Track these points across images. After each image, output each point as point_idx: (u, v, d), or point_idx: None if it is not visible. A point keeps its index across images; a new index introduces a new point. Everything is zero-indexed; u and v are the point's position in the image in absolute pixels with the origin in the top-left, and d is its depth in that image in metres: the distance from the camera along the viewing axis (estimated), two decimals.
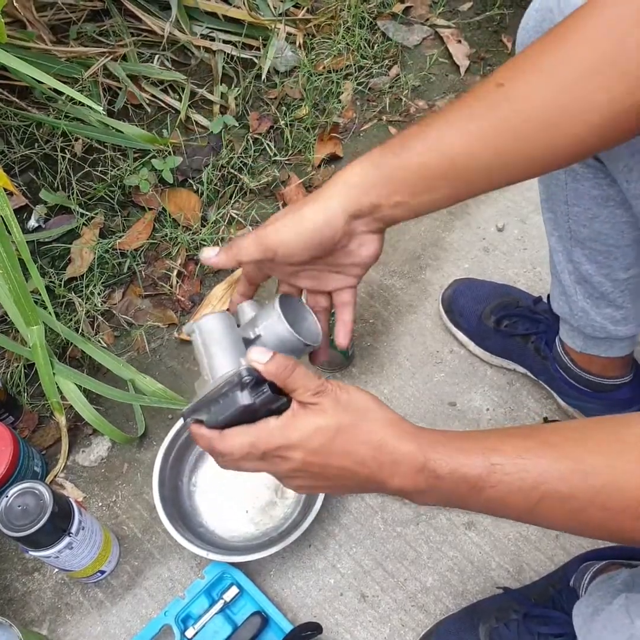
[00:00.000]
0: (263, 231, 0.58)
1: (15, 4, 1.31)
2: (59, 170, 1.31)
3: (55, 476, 1.04)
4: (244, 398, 0.54)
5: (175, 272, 1.22)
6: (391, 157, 0.55)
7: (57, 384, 1.01)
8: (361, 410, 0.54)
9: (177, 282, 1.21)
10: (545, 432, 0.52)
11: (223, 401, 0.55)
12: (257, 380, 0.54)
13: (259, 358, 0.55)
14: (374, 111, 1.42)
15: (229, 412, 0.55)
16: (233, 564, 0.92)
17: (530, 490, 0.48)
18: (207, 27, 1.46)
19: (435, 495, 0.53)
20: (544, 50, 0.52)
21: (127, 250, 1.24)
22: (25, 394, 1.12)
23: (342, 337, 0.66)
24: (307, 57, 1.44)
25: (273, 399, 0.55)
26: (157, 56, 1.43)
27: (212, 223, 1.26)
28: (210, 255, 0.60)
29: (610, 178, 0.71)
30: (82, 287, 1.20)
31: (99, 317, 1.18)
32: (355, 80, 1.43)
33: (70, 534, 0.85)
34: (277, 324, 0.58)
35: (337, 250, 0.59)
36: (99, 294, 1.19)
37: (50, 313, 1.03)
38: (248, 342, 0.58)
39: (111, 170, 1.31)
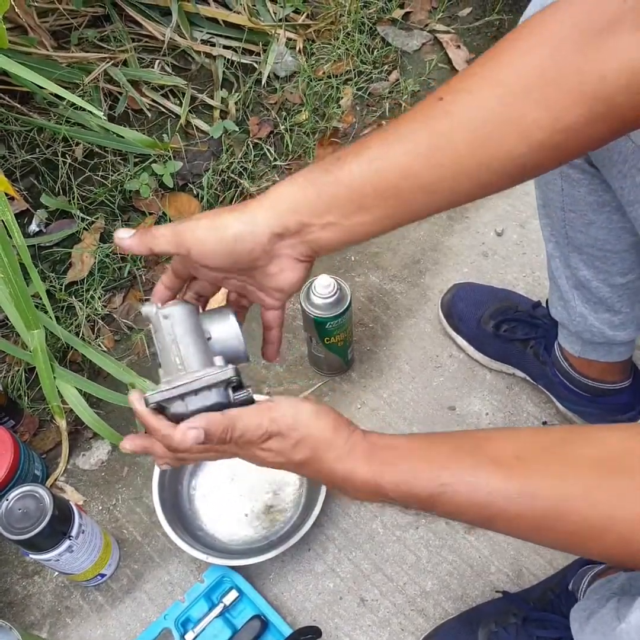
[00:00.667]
0: (180, 226, 0.55)
1: (16, 9, 1.32)
2: (59, 175, 1.32)
3: (55, 480, 1.05)
4: (227, 397, 0.56)
5: None
6: (324, 174, 0.52)
7: (57, 387, 1.01)
8: (312, 447, 0.55)
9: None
10: (496, 445, 0.52)
11: (202, 394, 0.55)
12: (239, 382, 0.56)
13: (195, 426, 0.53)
14: (374, 116, 1.42)
15: (205, 405, 0.55)
16: (232, 568, 0.92)
17: (482, 508, 0.49)
18: (207, 33, 1.47)
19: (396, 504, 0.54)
20: (486, 63, 0.50)
21: (128, 255, 1.24)
22: (26, 398, 1.12)
23: (269, 355, 0.66)
24: (307, 62, 1.45)
25: (249, 401, 0.56)
26: (157, 61, 1.44)
27: None
28: (123, 236, 0.56)
29: (606, 184, 0.71)
30: (83, 291, 1.20)
31: (100, 321, 1.18)
32: (355, 85, 1.44)
33: (71, 537, 0.85)
34: (230, 329, 0.59)
35: (255, 268, 0.56)
36: (99, 298, 1.19)
37: (50, 317, 1.04)
38: None
39: (112, 175, 1.31)
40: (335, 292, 0.97)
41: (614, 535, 0.44)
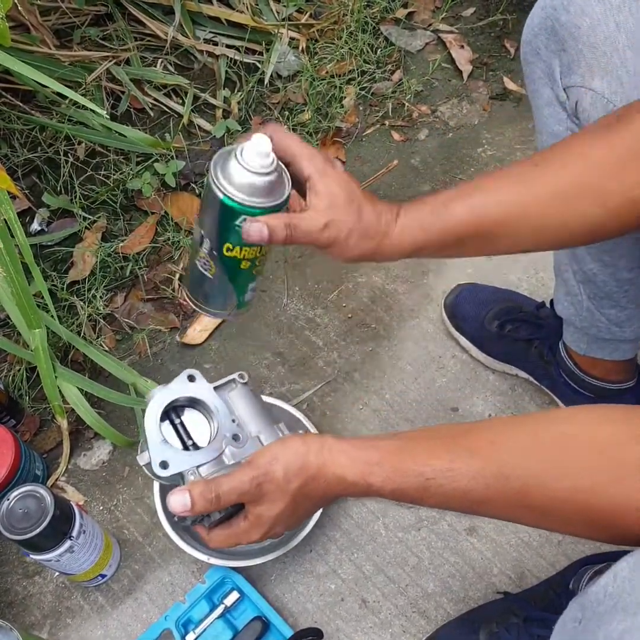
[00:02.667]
0: None
1: (19, 8, 1.32)
2: (61, 174, 1.32)
3: (56, 479, 1.04)
4: None
5: (177, 276, 1.22)
6: (435, 218, 0.62)
7: (58, 387, 1.01)
8: (300, 472, 0.61)
9: (179, 286, 1.21)
10: (472, 437, 0.55)
11: None
12: None
13: (180, 505, 0.64)
14: (377, 116, 1.42)
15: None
16: (234, 569, 0.92)
17: (463, 496, 0.53)
18: (210, 32, 1.47)
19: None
20: (577, 139, 0.60)
21: (130, 254, 1.24)
22: (27, 397, 1.12)
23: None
24: (310, 61, 1.44)
25: None
26: (160, 60, 1.43)
27: None
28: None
29: None
30: (84, 290, 1.20)
31: (101, 320, 1.18)
32: (358, 85, 1.44)
33: (71, 538, 0.85)
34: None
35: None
36: (101, 298, 1.19)
37: (52, 316, 1.04)
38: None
39: (114, 174, 1.31)
40: (274, 170, 0.58)
41: (573, 504, 0.47)
